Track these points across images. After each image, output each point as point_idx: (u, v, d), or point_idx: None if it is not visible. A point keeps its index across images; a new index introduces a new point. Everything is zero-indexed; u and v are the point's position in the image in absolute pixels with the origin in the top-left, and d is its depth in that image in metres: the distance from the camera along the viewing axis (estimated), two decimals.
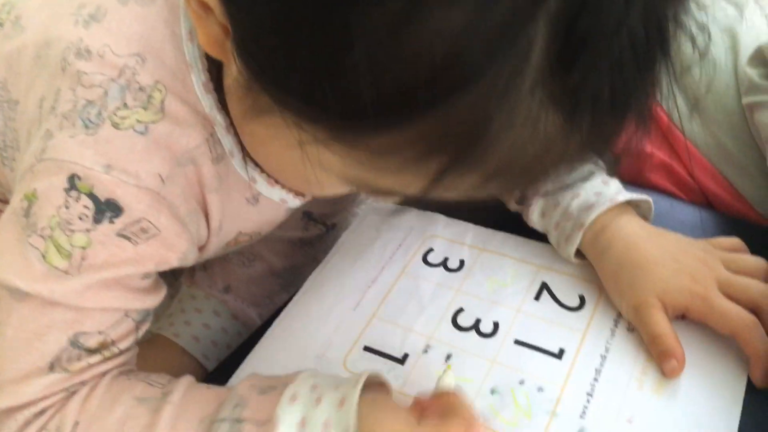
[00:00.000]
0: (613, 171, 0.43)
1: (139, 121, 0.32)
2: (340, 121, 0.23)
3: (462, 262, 0.46)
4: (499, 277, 0.44)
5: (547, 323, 0.41)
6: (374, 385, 0.35)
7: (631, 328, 0.40)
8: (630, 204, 0.43)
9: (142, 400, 0.35)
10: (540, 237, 0.46)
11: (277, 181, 0.39)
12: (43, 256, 0.33)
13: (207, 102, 0.33)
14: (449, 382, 0.34)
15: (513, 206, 0.47)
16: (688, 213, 0.48)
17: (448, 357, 0.40)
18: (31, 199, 0.33)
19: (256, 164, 0.37)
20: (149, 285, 0.37)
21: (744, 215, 0.47)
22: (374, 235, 0.49)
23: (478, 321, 0.42)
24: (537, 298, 0.43)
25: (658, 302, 0.38)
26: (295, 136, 0.26)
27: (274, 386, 0.34)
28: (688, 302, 0.38)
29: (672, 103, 0.50)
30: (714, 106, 0.50)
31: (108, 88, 0.32)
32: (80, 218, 0.33)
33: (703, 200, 0.49)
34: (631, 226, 0.42)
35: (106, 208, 0.32)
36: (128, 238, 0.33)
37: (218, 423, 0.33)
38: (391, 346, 0.42)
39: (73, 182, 0.32)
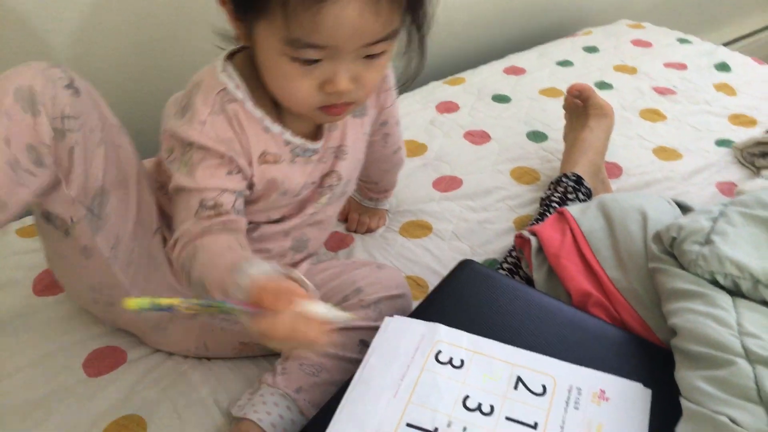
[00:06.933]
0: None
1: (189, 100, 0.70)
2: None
3: (462, 362, 0.68)
4: (489, 374, 0.66)
5: (524, 405, 0.63)
6: None
7: (576, 408, 0.63)
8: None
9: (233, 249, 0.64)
10: (515, 342, 0.69)
11: (279, 121, 0.72)
12: (178, 170, 0.68)
13: (221, 75, 0.69)
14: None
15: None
16: (615, 334, 0.72)
17: (464, 429, 0.61)
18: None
19: (265, 112, 0.71)
20: (235, 177, 0.69)
21: (650, 340, 0.73)
22: (396, 341, 0.70)
23: (480, 404, 0.64)
24: (516, 387, 0.65)
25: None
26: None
27: None
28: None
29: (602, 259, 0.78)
30: (631, 264, 0.78)
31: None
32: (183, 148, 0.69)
33: (623, 327, 0.75)
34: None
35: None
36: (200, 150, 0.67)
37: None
38: (425, 422, 0.62)
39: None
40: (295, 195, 0.78)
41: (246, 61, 0.70)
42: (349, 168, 0.82)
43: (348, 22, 0.58)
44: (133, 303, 0.49)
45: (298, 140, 0.74)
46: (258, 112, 0.70)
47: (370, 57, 0.64)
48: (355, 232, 1.09)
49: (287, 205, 0.79)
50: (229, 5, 0.64)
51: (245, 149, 0.69)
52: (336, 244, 1.07)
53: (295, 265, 0.87)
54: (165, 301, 0.50)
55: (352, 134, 0.81)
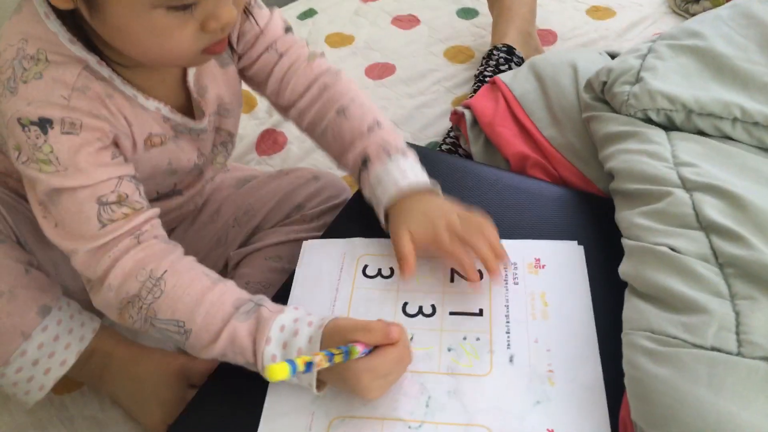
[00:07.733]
0: None
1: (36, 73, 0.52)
2: None
3: (392, 270, 0.62)
4: (421, 274, 0.61)
5: (465, 294, 0.59)
6: None
7: (516, 283, 0.59)
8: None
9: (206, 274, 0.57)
10: None
11: (151, 97, 0.59)
12: (40, 170, 0.53)
13: (74, 48, 0.53)
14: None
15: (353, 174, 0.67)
16: (555, 191, 0.68)
17: (411, 337, 0.57)
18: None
19: (136, 88, 0.58)
20: (120, 160, 0.57)
21: (591, 192, 0.69)
22: (318, 266, 0.63)
23: (420, 307, 0.59)
24: (452, 280, 0.60)
25: (407, 233, 0.59)
26: None
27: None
28: (424, 235, 0.58)
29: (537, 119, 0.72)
30: (565, 119, 0.73)
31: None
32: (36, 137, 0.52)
33: (563, 184, 0.71)
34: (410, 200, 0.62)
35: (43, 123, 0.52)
36: (69, 133, 0.53)
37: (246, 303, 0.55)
38: None
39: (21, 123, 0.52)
40: (189, 171, 0.69)
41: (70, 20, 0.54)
42: (234, 122, 0.73)
43: None
44: (278, 372, 0.46)
45: (178, 118, 0.63)
46: (129, 89, 0.57)
47: None
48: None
49: (181, 180, 0.70)
50: None
51: (128, 132, 0.58)
52: (269, 146, 1.01)
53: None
54: (304, 359, 0.47)
55: (227, 87, 0.70)
